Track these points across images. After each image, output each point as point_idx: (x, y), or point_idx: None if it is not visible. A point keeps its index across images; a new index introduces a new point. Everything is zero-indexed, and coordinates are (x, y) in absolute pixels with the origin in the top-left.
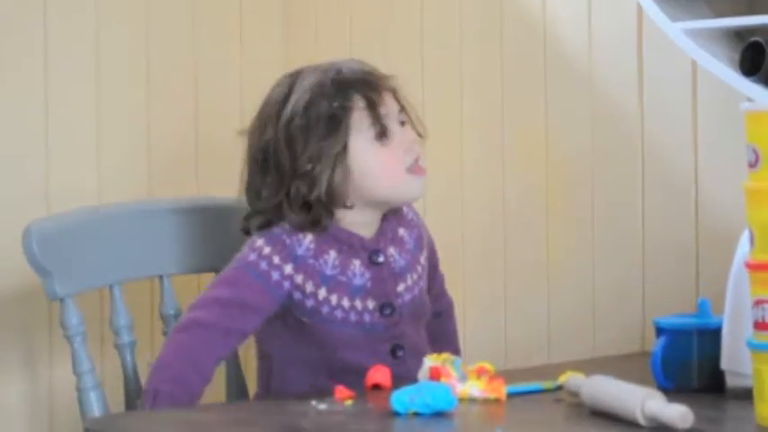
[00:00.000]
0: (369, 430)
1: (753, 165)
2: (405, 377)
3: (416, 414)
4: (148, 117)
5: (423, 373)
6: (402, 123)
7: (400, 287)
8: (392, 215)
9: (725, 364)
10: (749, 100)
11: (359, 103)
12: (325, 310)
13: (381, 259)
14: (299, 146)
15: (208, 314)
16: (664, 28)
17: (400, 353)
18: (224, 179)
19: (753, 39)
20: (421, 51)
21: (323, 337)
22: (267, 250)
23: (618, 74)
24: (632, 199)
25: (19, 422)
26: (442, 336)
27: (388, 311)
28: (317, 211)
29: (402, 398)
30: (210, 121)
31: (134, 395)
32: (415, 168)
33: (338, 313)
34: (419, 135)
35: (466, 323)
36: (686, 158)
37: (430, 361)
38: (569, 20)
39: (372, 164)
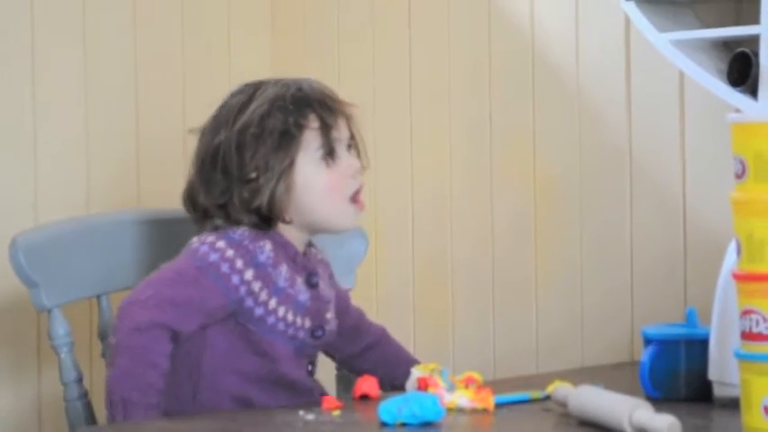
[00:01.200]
0: None
1: (740, 176)
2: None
3: (404, 424)
4: (137, 127)
5: (410, 384)
6: (349, 149)
7: (328, 315)
8: (308, 250)
9: (712, 374)
10: (737, 110)
11: (313, 123)
12: (270, 320)
13: (316, 281)
14: (248, 153)
15: (164, 316)
16: (651, 39)
17: (313, 370)
18: None
19: (740, 49)
20: (409, 61)
21: (261, 347)
22: (230, 253)
23: (605, 84)
24: (620, 209)
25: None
26: (398, 354)
27: (319, 333)
28: (260, 218)
29: (390, 408)
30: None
31: None
32: (356, 198)
33: (280, 325)
34: (363, 165)
35: (455, 333)
36: (674, 169)
37: (418, 371)
38: (557, 31)
39: (316, 183)
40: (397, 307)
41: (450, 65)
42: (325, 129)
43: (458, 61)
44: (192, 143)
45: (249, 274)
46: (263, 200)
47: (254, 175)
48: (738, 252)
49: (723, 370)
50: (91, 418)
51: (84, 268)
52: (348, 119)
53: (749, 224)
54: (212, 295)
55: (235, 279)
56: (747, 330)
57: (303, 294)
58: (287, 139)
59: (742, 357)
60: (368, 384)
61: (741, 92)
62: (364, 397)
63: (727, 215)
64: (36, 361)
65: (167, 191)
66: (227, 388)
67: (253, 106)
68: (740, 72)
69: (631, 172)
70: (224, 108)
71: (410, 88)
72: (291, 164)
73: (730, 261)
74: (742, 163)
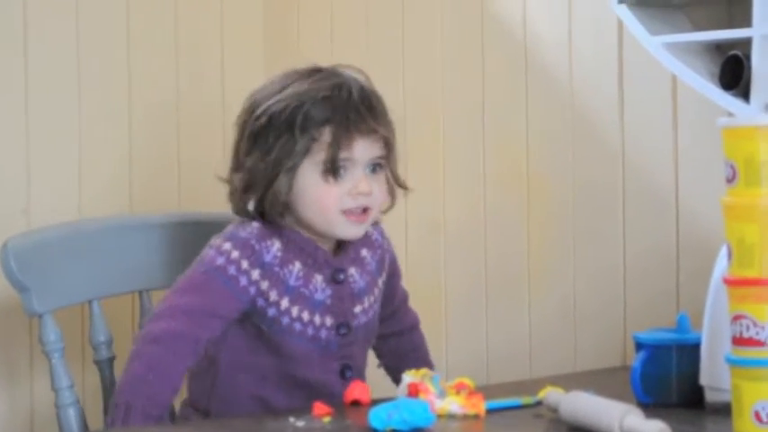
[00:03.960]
0: None
1: (730, 180)
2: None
3: (394, 431)
4: (130, 134)
5: (401, 389)
6: (374, 169)
7: (357, 308)
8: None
9: (704, 379)
10: (729, 114)
11: (325, 137)
12: (285, 320)
13: (342, 278)
14: (258, 143)
15: (178, 324)
16: (643, 42)
17: (348, 373)
18: (205, 193)
19: (732, 52)
20: (402, 66)
21: (278, 348)
22: (236, 254)
23: (598, 87)
24: (613, 213)
25: None
26: (415, 351)
27: (344, 331)
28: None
29: (380, 414)
30: (192, 136)
31: None
32: (350, 213)
33: (297, 326)
34: (397, 186)
35: (448, 337)
36: (667, 173)
37: (408, 377)
38: (550, 34)
39: (309, 192)
40: None
41: (443, 68)
42: (334, 147)
43: (451, 63)
44: (183, 145)
45: (256, 274)
46: (258, 192)
47: (259, 165)
48: (729, 257)
49: (714, 375)
50: (83, 425)
51: (75, 273)
52: (383, 137)
53: (740, 229)
54: (224, 299)
55: (243, 280)
56: (738, 335)
57: (322, 293)
58: (295, 143)
59: (733, 362)
60: (359, 390)
61: (733, 95)
62: (355, 403)
63: (720, 219)
64: (28, 366)
65: (159, 198)
66: (244, 386)
67: (279, 97)
68: (732, 75)
69: (624, 175)
70: (259, 91)
71: (403, 91)
72: (294, 167)
73: (721, 266)
74: (732, 167)
